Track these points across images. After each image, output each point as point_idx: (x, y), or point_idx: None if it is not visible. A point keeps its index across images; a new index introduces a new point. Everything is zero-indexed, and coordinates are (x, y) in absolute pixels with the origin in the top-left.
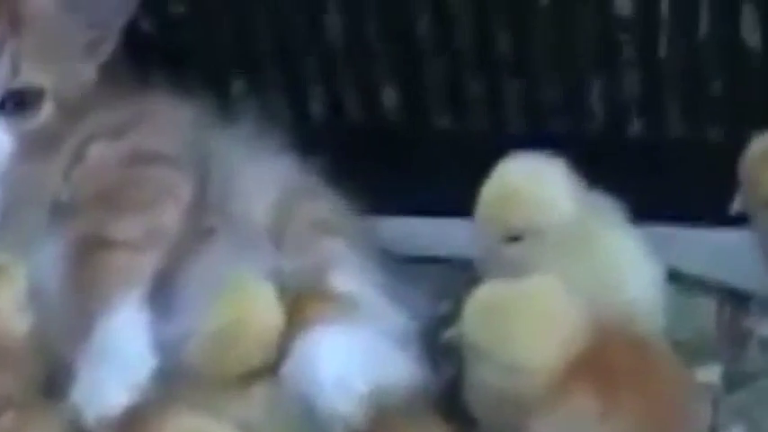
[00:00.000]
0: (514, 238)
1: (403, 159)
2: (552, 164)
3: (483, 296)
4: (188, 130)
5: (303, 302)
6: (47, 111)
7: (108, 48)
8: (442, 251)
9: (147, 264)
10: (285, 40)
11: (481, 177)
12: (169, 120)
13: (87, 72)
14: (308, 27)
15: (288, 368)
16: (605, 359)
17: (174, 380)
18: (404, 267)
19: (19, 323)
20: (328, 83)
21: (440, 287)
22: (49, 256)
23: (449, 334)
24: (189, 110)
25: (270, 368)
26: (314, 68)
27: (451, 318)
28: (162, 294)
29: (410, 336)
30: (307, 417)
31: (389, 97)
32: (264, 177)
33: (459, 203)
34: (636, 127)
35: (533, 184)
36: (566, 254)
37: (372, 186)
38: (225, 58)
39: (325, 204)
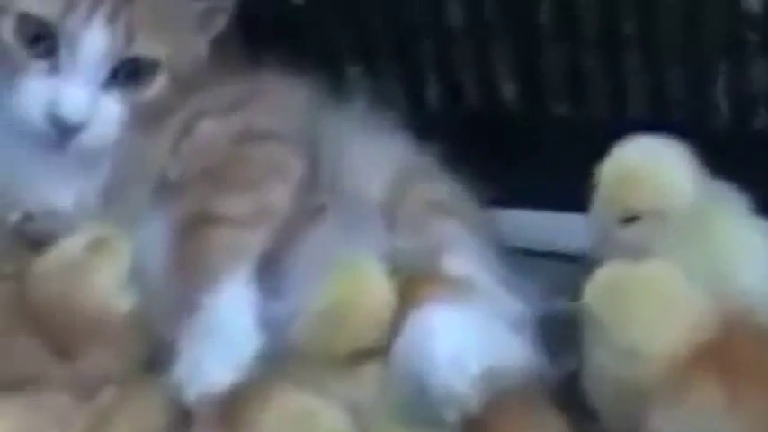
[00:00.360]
0: (632, 220)
1: (521, 148)
2: (673, 147)
3: (605, 276)
4: (301, 109)
5: (416, 283)
6: (160, 84)
7: (221, 21)
8: (559, 246)
9: (255, 241)
10: (402, 24)
11: None
12: (281, 99)
13: (200, 46)
14: (425, 12)
15: (399, 345)
16: (729, 350)
17: (280, 359)
18: (519, 260)
19: (122, 300)
20: (445, 69)
21: (555, 283)
22: (155, 233)
23: (567, 306)
24: (302, 90)
25: (381, 349)
26: (431, 54)
27: (566, 313)
28: (270, 273)
29: (526, 322)
30: (418, 397)
31: (508, 84)
32: (378, 157)
33: (579, 197)
34: (762, 119)
35: (654, 164)
36: (683, 239)
37: (488, 176)
38: (341, 41)
39: (440, 186)
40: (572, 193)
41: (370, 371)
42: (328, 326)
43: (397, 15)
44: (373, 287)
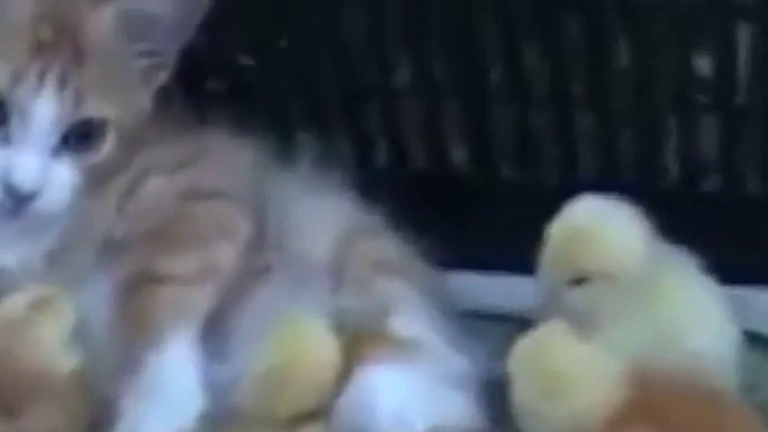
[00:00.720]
0: (580, 282)
1: (470, 210)
2: (623, 207)
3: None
4: (247, 169)
5: (360, 343)
6: (110, 144)
7: (164, 74)
8: (510, 309)
9: (200, 300)
10: (350, 84)
11: None
12: (227, 158)
13: (144, 100)
14: (374, 72)
15: (341, 404)
16: (661, 409)
17: (222, 421)
18: (469, 323)
19: (65, 358)
20: (393, 130)
21: (506, 346)
22: (100, 292)
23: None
24: (249, 149)
25: (323, 410)
26: (379, 115)
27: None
28: (215, 334)
29: (471, 382)
30: None
31: (457, 145)
32: (324, 215)
33: (529, 260)
34: (712, 181)
35: (603, 224)
36: (633, 301)
37: (438, 238)
38: (289, 101)
39: (386, 244)
40: (522, 256)
41: None
42: (270, 388)
43: (346, 75)
44: (316, 348)
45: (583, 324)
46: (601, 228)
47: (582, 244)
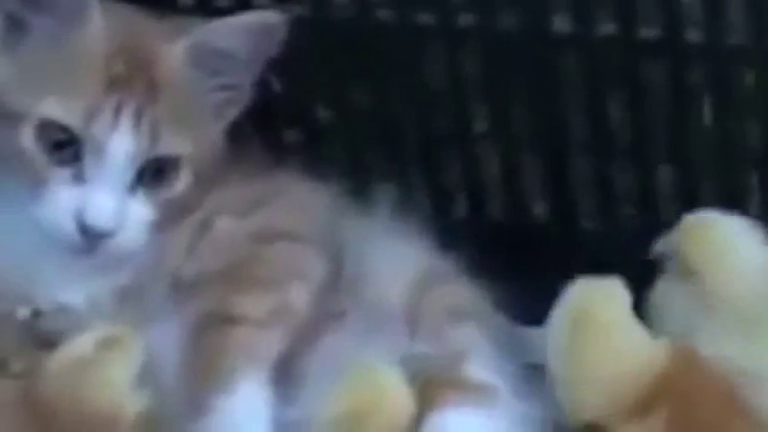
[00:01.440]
0: None
1: (546, 262)
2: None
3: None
4: (321, 212)
5: (435, 388)
6: (184, 180)
7: (235, 110)
8: None
9: (272, 342)
10: (429, 134)
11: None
12: (302, 200)
13: (216, 136)
14: (453, 122)
15: None
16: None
17: None
18: (535, 376)
19: (134, 398)
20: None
21: None
22: (169, 333)
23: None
24: (324, 193)
25: None
26: (458, 165)
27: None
28: (286, 377)
29: (541, 428)
30: None
31: (536, 197)
32: (400, 261)
33: None
34: None
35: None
36: None
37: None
38: (366, 150)
39: (461, 289)
40: None
41: None
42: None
43: (425, 124)
44: (391, 394)
45: None
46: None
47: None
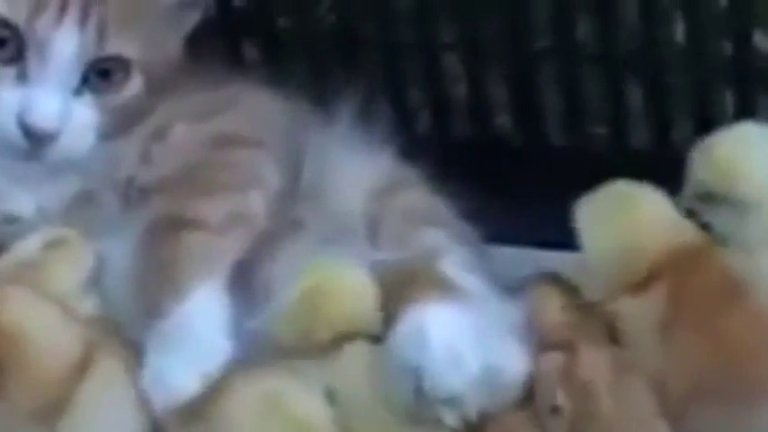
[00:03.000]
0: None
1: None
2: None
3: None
4: (280, 119)
5: (407, 285)
6: (134, 85)
7: (194, 17)
8: None
9: (229, 248)
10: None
11: None
12: (260, 107)
13: (173, 44)
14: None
15: (393, 340)
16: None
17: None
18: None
19: (83, 304)
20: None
21: None
22: (123, 241)
23: None
24: (283, 101)
25: (361, 334)
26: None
27: None
28: (245, 287)
29: (521, 329)
30: (413, 395)
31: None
32: (361, 170)
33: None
34: None
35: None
36: None
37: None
38: (327, 63)
39: (425, 195)
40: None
41: (351, 357)
42: (304, 312)
43: (387, 35)
44: (347, 271)
45: None
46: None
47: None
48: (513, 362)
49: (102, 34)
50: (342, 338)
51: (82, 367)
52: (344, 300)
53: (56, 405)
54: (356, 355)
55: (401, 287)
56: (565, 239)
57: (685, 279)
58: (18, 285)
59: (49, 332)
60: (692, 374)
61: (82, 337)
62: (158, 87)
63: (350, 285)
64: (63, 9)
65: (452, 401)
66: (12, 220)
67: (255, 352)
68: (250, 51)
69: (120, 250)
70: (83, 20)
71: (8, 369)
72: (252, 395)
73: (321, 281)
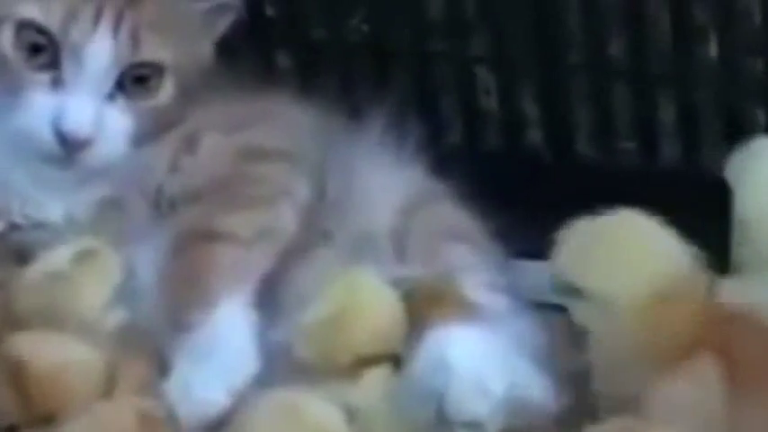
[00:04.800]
0: None
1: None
2: None
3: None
4: (310, 132)
5: (428, 304)
6: (167, 90)
7: (226, 21)
8: None
9: (258, 262)
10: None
11: None
12: (291, 120)
13: (205, 49)
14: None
15: (416, 362)
16: (731, 335)
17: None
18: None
19: (111, 316)
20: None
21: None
22: (151, 251)
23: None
24: (313, 113)
25: (384, 357)
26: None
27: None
28: (270, 299)
29: (543, 353)
30: (435, 417)
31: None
32: (389, 185)
33: None
34: None
35: None
36: None
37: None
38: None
39: (454, 211)
40: None
41: (373, 378)
42: (329, 334)
43: (420, 46)
44: (372, 292)
45: None
46: None
47: None
48: (537, 386)
49: (135, 41)
50: (365, 361)
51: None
52: (370, 324)
53: None
54: (378, 377)
55: (425, 307)
56: None
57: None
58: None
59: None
60: None
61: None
62: (190, 94)
63: (376, 309)
64: (98, 16)
65: (475, 426)
66: (39, 225)
67: (278, 366)
68: (283, 61)
69: (149, 259)
70: (117, 27)
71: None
72: (272, 406)
73: (348, 303)
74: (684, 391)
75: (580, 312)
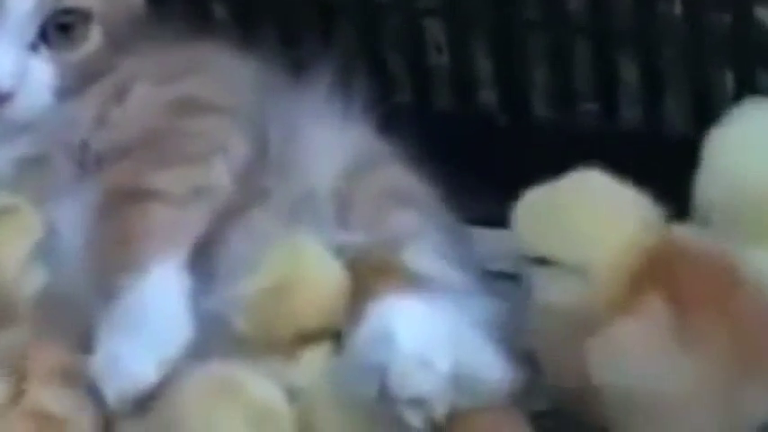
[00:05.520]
0: None
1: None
2: None
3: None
4: (249, 85)
5: (372, 276)
6: (93, 39)
7: None
8: None
9: (192, 222)
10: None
11: None
12: (227, 73)
13: None
14: None
15: (357, 338)
16: (680, 273)
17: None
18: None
19: (30, 277)
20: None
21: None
22: (76, 209)
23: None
24: (252, 67)
25: (326, 334)
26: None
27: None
28: (204, 260)
29: (497, 327)
30: (377, 395)
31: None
32: (334, 144)
33: None
34: None
35: None
36: None
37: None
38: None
39: (402, 173)
40: None
41: (314, 357)
42: (268, 306)
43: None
44: (314, 264)
45: None
46: None
47: None
48: (487, 361)
49: None
50: (307, 336)
51: None
52: (313, 296)
53: None
54: (319, 355)
55: (368, 278)
56: None
57: (678, 278)
58: None
59: None
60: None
61: None
62: (119, 44)
63: (321, 280)
64: None
65: (419, 402)
66: None
67: (213, 337)
68: (219, 11)
69: (73, 219)
70: None
71: None
72: (207, 380)
73: (290, 273)
74: (634, 331)
75: (543, 281)
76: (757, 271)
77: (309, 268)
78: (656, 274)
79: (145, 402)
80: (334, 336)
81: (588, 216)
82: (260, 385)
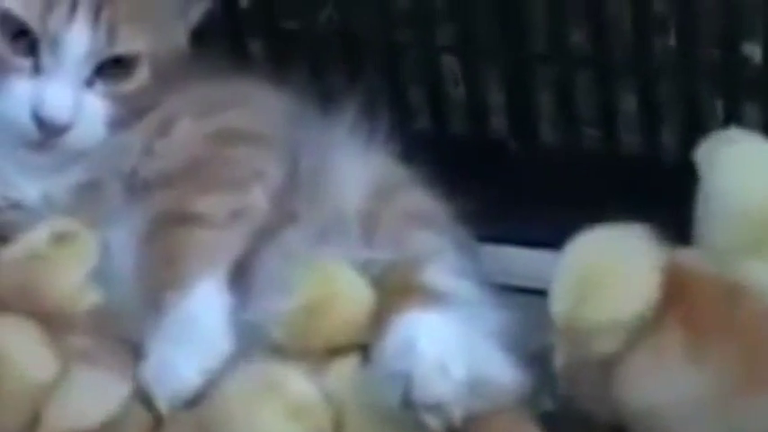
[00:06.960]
0: None
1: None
2: None
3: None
4: (282, 115)
5: (395, 293)
6: (143, 76)
7: (200, 8)
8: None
9: (231, 244)
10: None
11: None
12: (263, 103)
13: (180, 36)
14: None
15: (382, 350)
16: (688, 295)
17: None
18: (509, 298)
19: (86, 296)
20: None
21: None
22: (127, 232)
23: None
24: (285, 96)
25: (354, 347)
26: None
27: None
28: (241, 279)
29: (509, 339)
30: (400, 402)
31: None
32: (359, 169)
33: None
34: None
35: None
36: None
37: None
38: (329, 66)
39: (422, 197)
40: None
41: (344, 367)
42: (304, 322)
43: (389, 35)
44: (346, 288)
45: None
46: None
47: None
48: (500, 368)
49: (112, 32)
50: (337, 348)
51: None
52: (343, 314)
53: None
54: (348, 366)
55: (392, 295)
56: (557, 239)
57: (688, 304)
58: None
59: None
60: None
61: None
62: (165, 80)
63: (351, 301)
64: (73, 7)
65: (438, 408)
66: (16, 206)
67: (251, 344)
68: (255, 50)
69: (124, 241)
70: (94, 19)
71: None
72: (251, 378)
73: (322, 292)
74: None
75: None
76: (760, 284)
77: (341, 289)
78: (669, 298)
79: (191, 403)
80: (362, 348)
81: (612, 279)
82: (299, 382)
